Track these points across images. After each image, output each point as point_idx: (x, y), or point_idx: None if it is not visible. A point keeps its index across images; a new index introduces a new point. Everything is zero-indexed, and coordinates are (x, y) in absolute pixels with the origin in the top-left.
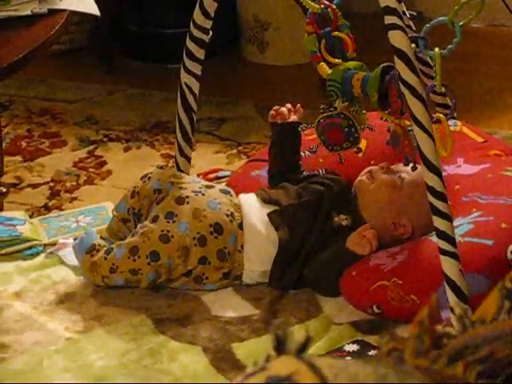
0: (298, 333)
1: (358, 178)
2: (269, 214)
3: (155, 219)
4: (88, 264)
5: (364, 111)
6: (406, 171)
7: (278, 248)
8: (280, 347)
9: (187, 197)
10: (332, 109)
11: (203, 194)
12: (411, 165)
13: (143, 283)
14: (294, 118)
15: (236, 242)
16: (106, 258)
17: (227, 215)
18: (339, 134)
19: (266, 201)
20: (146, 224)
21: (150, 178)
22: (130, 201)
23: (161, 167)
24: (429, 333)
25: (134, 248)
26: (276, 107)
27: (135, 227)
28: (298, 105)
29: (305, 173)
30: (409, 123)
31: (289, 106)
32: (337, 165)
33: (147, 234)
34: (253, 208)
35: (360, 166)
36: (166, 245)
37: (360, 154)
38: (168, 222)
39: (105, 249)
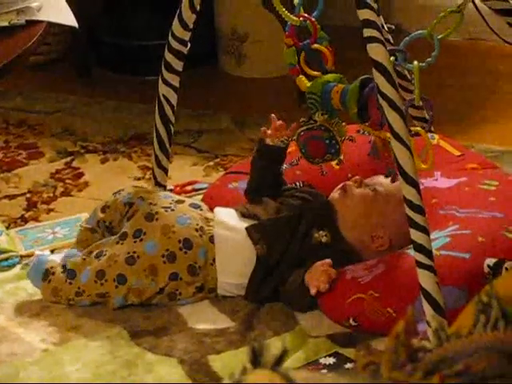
0: (274, 345)
1: (332, 194)
2: (247, 228)
3: (123, 237)
4: (48, 291)
5: (344, 123)
6: (380, 184)
7: (256, 263)
8: (256, 360)
9: (156, 213)
10: (312, 121)
11: (172, 210)
12: (391, 177)
13: (111, 305)
14: (283, 137)
15: (207, 256)
16: (70, 283)
17: (196, 230)
18: (320, 146)
19: (245, 215)
20: (112, 244)
21: (120, 193)
22: (101, 215)
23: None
24: (405, 346)
25: (100, 272)
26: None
27: (103, 236)
28: (293, 124)
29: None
30: (388, 135)
31: (280, 122)
32: (314, 178)
33: (113, 258)
34: (229, 221)
35: (338, 178)
36: (132, 266)
37: (337, 167)
38: (135, 242)
39: (61, 270)
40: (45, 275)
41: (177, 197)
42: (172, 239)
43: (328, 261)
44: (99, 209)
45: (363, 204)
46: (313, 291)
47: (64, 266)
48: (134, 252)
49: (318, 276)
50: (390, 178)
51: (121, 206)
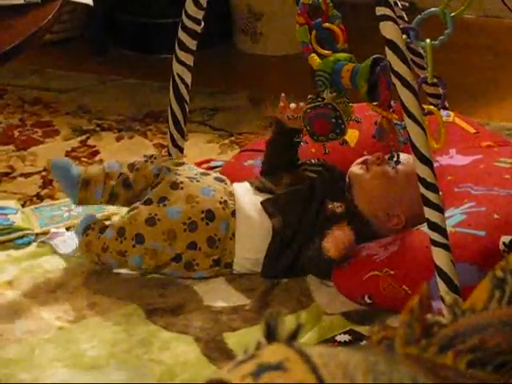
0: (289, 323)
1: (352, 168)
2: (262, 202)
3: (148, 202)
4: (83, 244)
5: (350, 104)
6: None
7: (272, 236)
8: (270, 335)
9: (181, 182)
10: (320, 99)
11: (198, 181)
12: (395, 159)
13: (130, 265)
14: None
15: (228, 230)
16: (99, 237)
17: (220, 202)
18: (326, 124)
19: (260, 189)
20: (137, 206)
21: (152, 162)
22: (126, 170)
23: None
24: (419, 321)
25: (121, 229)
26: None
27: (112, 188)
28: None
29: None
30: (396, 117)
31: (293, 105)
32: (329, 156)
33: (135, 216)
34: (246, 196)
35: (352, 157)
36: (151, 228)
37: (352, 145)
38: (158, 206)
39: (99, 227)
40: (86, 228)
41: (202, 170)
42: (195, 208)
43: (345, 224)
44: (126, 165)
45: (383, 181)
46: (334, 254)
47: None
48: (156, 214)
49: (336, 240)
50: (393, 160)
51: (150, 175)
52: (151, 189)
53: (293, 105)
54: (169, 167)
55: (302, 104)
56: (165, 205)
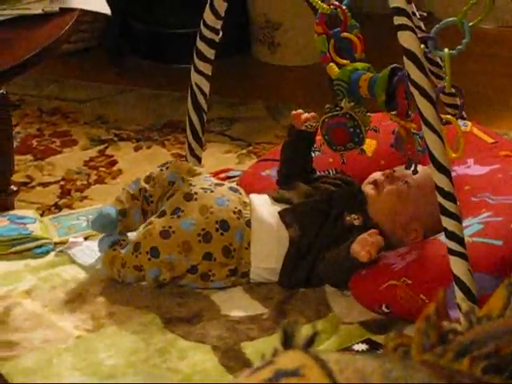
0: (306, 331)
1: (364, 188)
2: (280, 212)
3: (162, 214)
4: (109, 258)
5: (368, 113)
6: (410, 174)
7: (289, 246)
8: (287, 342)
9: (196, 193)
10: (338, 108)
11: (212, 191)
12: (412, 168)
13: (147, 280)
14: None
15: (243, 239)
16: (119, 252)
17: (234, 212)
18: (344, 134)
19: (278, 199)
20: (152, 220)
21: (167, 167)
22: (144, 184)
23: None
24: (435, 328)
25: (137, 244)
26: (299, 111)
27: (143, 205)
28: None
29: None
30: (414, 126)
31: (307, 114)
32: (346, 165)
33: (150, 231)
34: (263, 206)
35: (370, 166)
36: (165, 240)
37: (369, 154)
38: (172, 218)
39: (123, 242)
40: (113, 244)
41: (216, 180)
42: (209, 219)
43: (374, 230)
44: (143, 178)
45: (395, 200)
46: (364, 259)
47: None
48: (170, 227)
49: (366, 244)
50: (411, 170)
51: (165, 183)
52: (166, 199)
53: (306, 114)
54: (183, 177)
55: (313, 113)
56: (179, 216)
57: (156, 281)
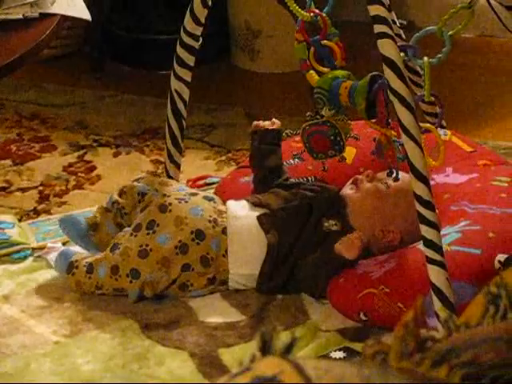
0: (284, 338)
1: (343, 189)
2: (258, 217)
3: (137, 228)
4: (73, 283)
5: (349, 121)
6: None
7: (267, 251)
8: (265, 348)
9: (170, 204)
10: (318, 116)
11: (186, 202)
12: (393, 175)
13: (130, 298)
14: (275, 125)
15: (219, 247)
16: (89, 277)
17: (210, 221)
18: (325, 141)
19: (257, 204)
20: (127, 236)
21: (139, 181)
22: (117, 197)
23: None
24: (413, 336)
25: (114, 267)
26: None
27: (116, 219)
28: (274, 120)
29: (293, 180)
30: (394, 133)
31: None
32: (326, 173)
33: (127, 252)
34: (241, 211)
35: (349, 173)
36: (144, 260)
37: (348, 162)
38: (148, 234)
39: (84, 264)
40: (69, 268)
41: (191, 189)
42: (184, 230)
43: (357, 232)
44: (116, 192)
45: (374, 198)
46: (349, 254)
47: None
48: (147, 245)
49: (349, 241)
50: (392, 177)
51: (135, 195)
52: (140, 210)
53: (267, 122)
54: (157, 188)
55: (276, 120)
56: (154, 232)
57: (139, 298)
